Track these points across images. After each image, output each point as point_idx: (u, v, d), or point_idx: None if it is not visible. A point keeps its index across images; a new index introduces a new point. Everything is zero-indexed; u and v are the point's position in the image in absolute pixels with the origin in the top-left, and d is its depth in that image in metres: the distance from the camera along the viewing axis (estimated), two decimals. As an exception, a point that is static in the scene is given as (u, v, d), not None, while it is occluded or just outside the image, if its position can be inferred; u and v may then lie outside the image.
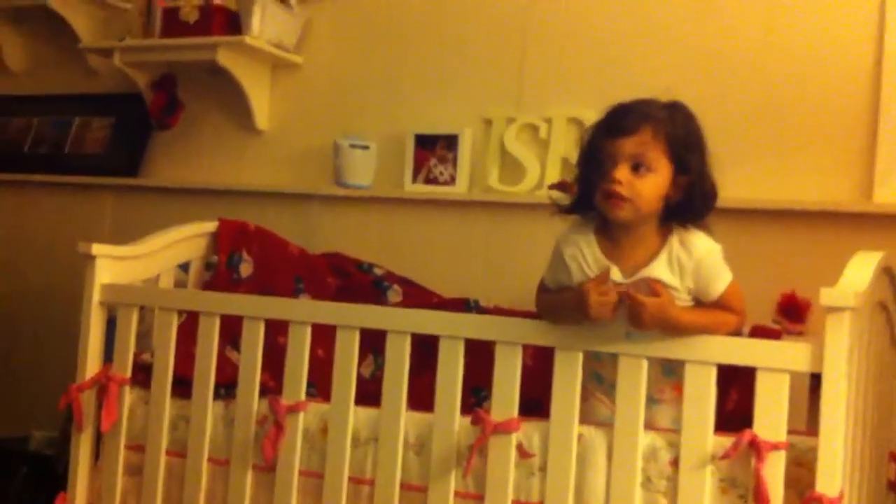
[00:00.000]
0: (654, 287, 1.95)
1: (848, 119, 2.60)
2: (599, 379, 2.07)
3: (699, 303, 2.00)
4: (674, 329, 1.91)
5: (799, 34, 2.66)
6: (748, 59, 2.70)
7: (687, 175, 1.97)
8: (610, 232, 2.04)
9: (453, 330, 2.11)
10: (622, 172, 1.94)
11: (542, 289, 2.16)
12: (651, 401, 2.01)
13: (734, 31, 2.73)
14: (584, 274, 2.03)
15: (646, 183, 1.95)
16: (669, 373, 2.01)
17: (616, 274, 1.98)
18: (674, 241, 1.99)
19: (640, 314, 1.90)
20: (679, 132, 1.97)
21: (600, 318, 1.93)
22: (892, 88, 2.55)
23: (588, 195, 2.03)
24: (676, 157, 1.96)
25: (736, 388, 2.16)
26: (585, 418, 2.02)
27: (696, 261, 1.97)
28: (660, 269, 1.98)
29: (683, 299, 1.98)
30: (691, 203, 1.98)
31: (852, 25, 2.61)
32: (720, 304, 1.98)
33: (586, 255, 2.04)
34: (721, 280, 1.99)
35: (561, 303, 2.05)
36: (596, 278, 1.98)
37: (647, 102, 2.00)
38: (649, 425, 1.98)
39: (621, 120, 1.97)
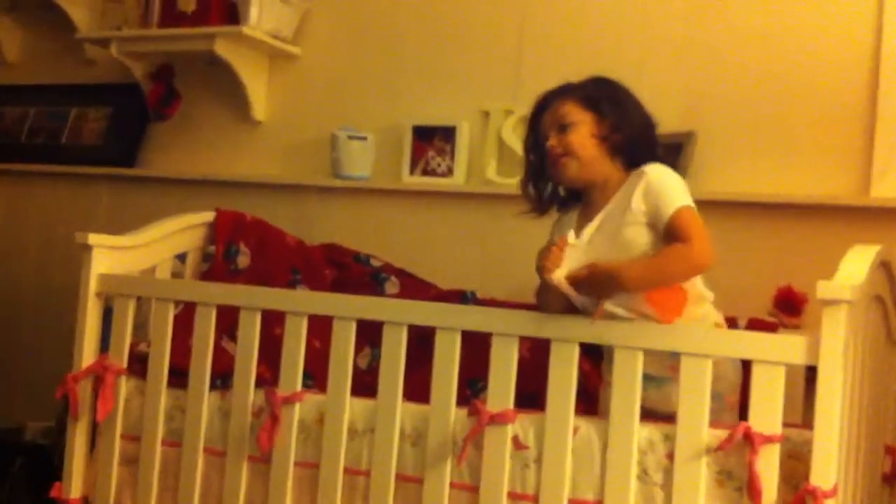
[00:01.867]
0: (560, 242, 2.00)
1: (846, 114, 2.61)
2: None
3: (657, 232, 2.01)
4: (619, 284, 1.92)
5: (797, 30, 2.67)
6: (746, 55, 2.70)
7: (608, 116, 2.09)
8: (587, 199, 2.16)
9: (450, 321, 2.11)
10: (553, 138, 2.12)
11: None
12: (661, 380, 2.02)
13: (732, 27, 2.73)
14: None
15: (572, 135, 2.10)
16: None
17: (572, 238, 2.04)
18: (631, 174, 2.09)
19: (579, 284, 1.94)
20: (587, 87, 2.14)
21: (546, 277, 1.97)
22: (889, 83, 2.55)
23: (541, 181, 2.20)
24: (591, 104, 2.11)
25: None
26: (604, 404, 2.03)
27: (645, 181, 2.04)
28: (615, 203, 2.07)
29: (639, 231, 2.02)
30: (628, 137, 2.09)
31: (850, 20, 2.62)
32: (670, 231, 1.98)
33: (564, 227, 2.14)
34: (671, 200, 1.99)
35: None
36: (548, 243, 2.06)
37: (556, 86, 2.18)
38: (665, 404, 2.00)
39: (536, 106, 2.19)
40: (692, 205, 2.00)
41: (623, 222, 2.04)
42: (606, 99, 2.12)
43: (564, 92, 2.15)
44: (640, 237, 2.02)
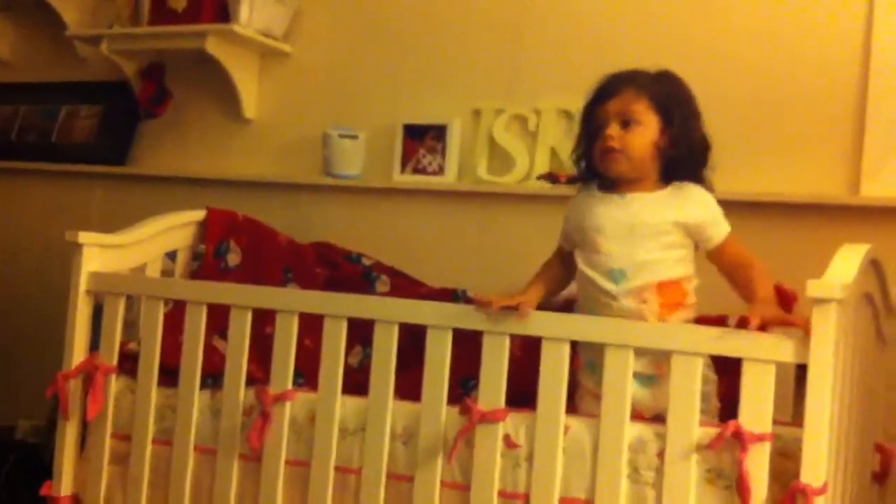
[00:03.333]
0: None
1: (836, 113, 2.61)
2: (593, 368, 2.08)
3: (694, 245, 2.11)
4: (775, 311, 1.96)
5: (786, 30, 2.67)
6: (739, 56, 2.71)
7: (673, 128, 2.09)
8: (614, 187, 2.15)
9: (441, 320, 2.11)
10: (613, 129, 2.09)
11: (555, 253, 2.28)
12: (651, 379, 2.04)
13: (724, 27, 2.74)
14: (581, 225, 2.14)
15: (634, 135, 2.09)
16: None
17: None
18: (672, 186, 2.12)
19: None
20: (661, 88, 2.12)
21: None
22: (879, 83, 2.56)
23: (590, 163, 2.18)
24: (661, 109, 2.10)
25: (722, 378, 2.16)
26: (573, 411, 2.04)
27: (691, 198, 2.10)
28: (648, 197, 2.10)
29: (674, 241, 2.08)
30: (683, 154, 2.10)
31: (840, 20, 2.62)
32: (728, 252, 2.09)
33: (586, 203, 2.17)
34: (722, 226, 2.11)
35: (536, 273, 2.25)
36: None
37: (632, 70, 2.16)
38: (651, 402, 2.03)
39: (607, 86, 2.15)
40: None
41: (657, 216, 2.08)
42: (678, 108, 2.11)
43: (640, 84, 2.12)
44: (670, 230, 2.08)
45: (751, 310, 1.91)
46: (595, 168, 2.17)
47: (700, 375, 1.89)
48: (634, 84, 2.11)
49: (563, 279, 2.27)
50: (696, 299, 2.14)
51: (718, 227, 2.11)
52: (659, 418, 1.97)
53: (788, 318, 1.89)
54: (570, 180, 2.25)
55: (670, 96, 2.11)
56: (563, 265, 2.26)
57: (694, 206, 2.10)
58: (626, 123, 2.09)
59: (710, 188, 2.15)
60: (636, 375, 1.99)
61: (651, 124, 2.09)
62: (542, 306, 2.13)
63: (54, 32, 3.61)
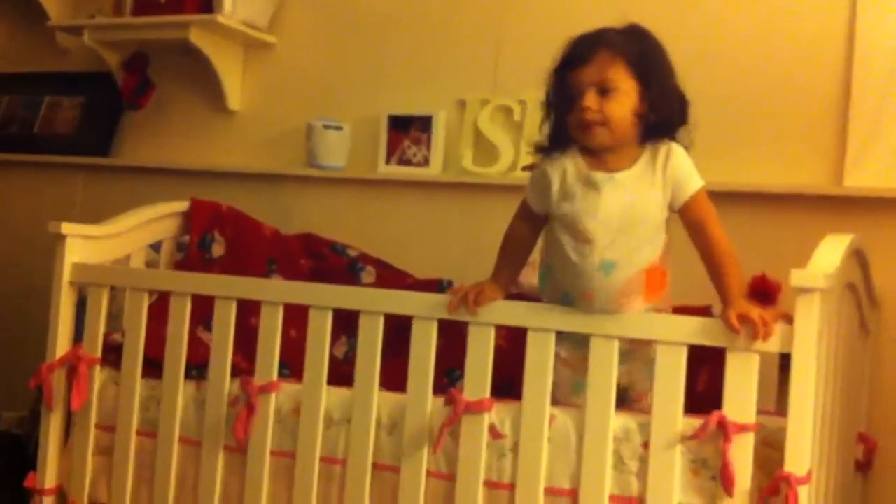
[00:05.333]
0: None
1: (819, 104, 2.62)
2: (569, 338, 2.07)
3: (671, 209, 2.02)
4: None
5: (771, 21, 2.68)
6: (721, 47, 2.71)
7: (652, 91, 1.98)
8: (593, 152, 2.04)
9: (427, 311, 2.11)
10: (590, 99, 1.96)
11: (519, 213, 2.19)
12: (627, 354, 2.03)
13: (707, 19, 2.74)
14: (563, 191, 2.03)
15: (614, 104, 1.96)
16: None
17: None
18: (649, 150, 2.02)
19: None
20: (636, 49, 1.99)
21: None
22: (862, 73, 2.57)
23: (561, 132, 2.06)
24: (639, 73, 1.98)
25: (706, 368, 2.17)
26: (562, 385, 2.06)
27: (669, 162, 1.99)
28: (635, 173, 2.00)
29: (658, 204, 2.00)
30: (664, 118, 1.99)
31: (824, 12, 2.63)
32: (694, 211, 2.00)
33: (569, 171, 2.04)
34: (693, 181, 2.01)
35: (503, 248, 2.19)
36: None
37: (601, 30, 2.03)
38: (628, 378, 2.05)
39: (579, 50, 2.01)
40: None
41: (646, 199, 2.00)
42: (654, 69, 1.99)
43: (614, 46, 1.98)
44: (658, 214, 2.01)
45: (729, 315, 1.86)
46: (570, 137, 2.04)
47: (684, 365, 1.90)
48: (609, 47, 1.98)
49: (529, 245, 2.18)
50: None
51: (690, 183, 2.00)
52: (626, 392, 2.00)
53: (766, 317, 1.84)
54: (540, 149, 2.11)
55: (646, 57, 1.99)
56: (529, 227, 2.16)
57: (672, 172, 1.99)
58: (603, 92, 1.96)
59: (686, 144, 2.04)
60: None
61: (630, 91, 1.97)
62: (523, 297, 2.14)
63: (36, 23, 3.59)
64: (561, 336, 2.03)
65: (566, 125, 2.03)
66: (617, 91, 1.96)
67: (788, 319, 1.83)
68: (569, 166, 2.04)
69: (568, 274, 2.03)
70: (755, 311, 1.84)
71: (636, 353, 2.05)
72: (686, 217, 2.02)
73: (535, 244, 2.18)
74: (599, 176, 2.00)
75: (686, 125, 2.04)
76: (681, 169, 2.00)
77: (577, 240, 2.00)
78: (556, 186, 2.05)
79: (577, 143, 2.03)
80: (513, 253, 2.18)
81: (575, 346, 2.05)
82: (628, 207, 1.98)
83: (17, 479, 2.49)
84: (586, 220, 1.99)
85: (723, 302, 1.95)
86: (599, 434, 1.94)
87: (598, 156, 2.03)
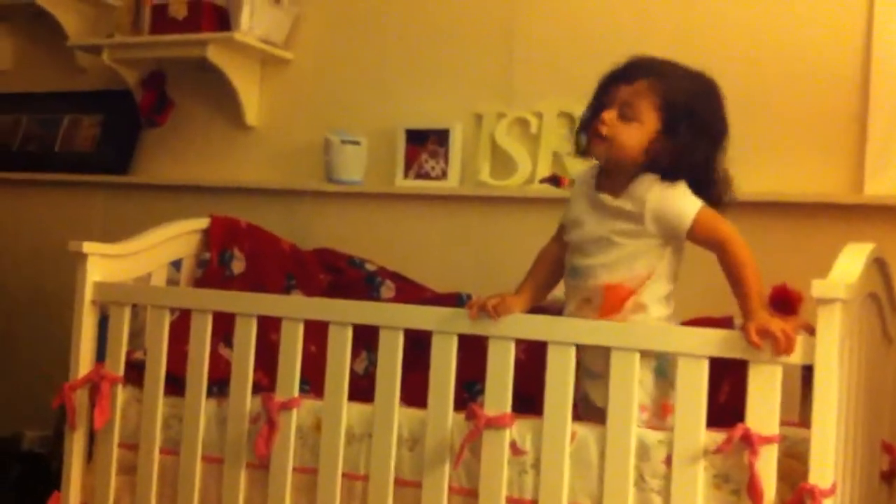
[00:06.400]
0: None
1: (838, 112, 2.61)
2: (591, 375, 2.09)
3: (669, 238, 2.04)
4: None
5: (788, 28, 2.67)
6: (739, 54, 2.70)
7: (671, 137, 1.99)
8: (608, 171, 2.10)
9: (446, 325, 2.11)
10: (609, 114, 2.01)
11: (555, 235, 2.24)
12: (588, 374, 2.06)
13: (725, 26, 2.74)
14: (572, 207, 2.15)
15: (628, 129, 2.00)
16: None
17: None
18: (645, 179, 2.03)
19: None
20: (678, 94, 2.00)
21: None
22: (880, 80, 2.55)
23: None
24: (667, 115, 1.99)
25: (728, 380, 2.16)
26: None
27: (652, 196, 2.00)
28: (620, 202, 2.04)
29: (626, 242, 2.03)
30: (675, 170, 2.00)
31: (842, 19, 2.62)
32: (702, 237, 2.01)
33: (581, 188, 2.14)
34: (688, 206, 2.00)
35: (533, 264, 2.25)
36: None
37: (663, 61, 2.05)
38: (584, 400, 2.07)
39: (626, 69, 2.05)
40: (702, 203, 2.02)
41: (605, 236, 2.06)
42: (687, 118, 1.99)
43: (658, 78, 2.01)
44: (628, 243, 2.05)
45: (749, 329, 1.84)
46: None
47: (706, 378, 1.89)
48: (649, 77, 2.00)
49: (556, 272, 2.20)
50: (669, 310, 2.11)
51: (683, 210, 2.00)
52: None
53: (787, 330, 1.82)
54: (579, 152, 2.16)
55: (683, 104, 1.99)
56: (557, 245, 2.21)
57: (652, 204, 2.01)
58: (624, 114, 2.00)
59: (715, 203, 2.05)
60: (594, 374, 2.05)
61: (648, 126, 2.00)
62: (543, 311, 2.14)
63: (55, 42, 3.62)
64: None
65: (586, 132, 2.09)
66: (636, 120, 2.00)
67: (810, 329, 1.82)
68: (583, 183, 2.14)
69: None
70: (776, 324, 1.82)
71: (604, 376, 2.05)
72: (697, 241, 2.03)
73: (563, 258, 2.19)
74: (601, 197, 2.07)
75: (709, 188, 2.05)
76: (662, 201, 2.01)
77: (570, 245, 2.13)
78: (571, 203, 2.16)
79: (583, 144, 2.11)
80: (536, 269, 2.23)
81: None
82: (597, 221, 2.07)
83: (41, 498, 2.50)
84: (571, 229, 2.12)
85: (743, 315, 1.94)
86: (621, 450, 1.93)
87: (610, 176, 2.09)
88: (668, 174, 2.01)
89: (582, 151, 2.13)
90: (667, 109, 1.99)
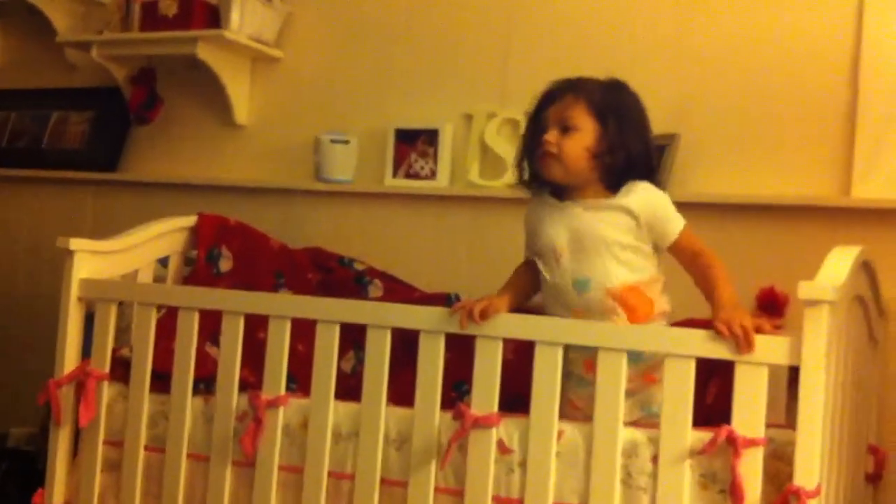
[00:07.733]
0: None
1: (827, 115, 2.62)
2: (569, 376, 2.09)
3: (655, 247, 2.12)
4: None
5: (778, 32, 2.68)
6: (729, 57, 2.71)
7: (610, 134, 2.08)
8: (564, 193, 2.16)
9: (434, 324, 2.11)
10: (551, 134, 2.11)
11: (523, 263, 2.29)
12: (571, 377, 2.09)
13: (715, 29, 2.74)
14: (537, 233, 2.18)
15: (571, 140, 2.10)
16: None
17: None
18: (623, 190, 2.11)
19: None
20: (601, 96, 2.12)
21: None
22: (869, 84, 2.56)
23: (532, 168, 2.20)
24: (599, 116, 2.10)
25: (715, 381, 2.16)
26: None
27: (643, 202, 2.09)
28: (600, 203, 2.10)
29: (622, 227, 2.08)
30: (619, 162, 2.09)
31: (830, 22, 2.63)
32: (684, 248, 2.10)
33: (542, 209, 2.19)
34: (674, 222, 2.11)
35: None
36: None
37: (580, 77, 2.17)
38: (571, 404, 2.09)
39: (551, 91, 2.17)
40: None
41: (608, 221, 2.09)
42: (616, 114, 2.10)
43: (578, 89, 2.13)
44: (623, 237, 2.09)
45: (715, 321, 1.88)
46: (536, 173, 2.18)
47: (693, 378, 1.89)
48: (575, 90, 2.12)
49: (532, 287, 2.26)
50: (670, 307, 2.15)
51: (671, 224, 2.11)
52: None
53: (746, 325, 1.85)
54: (520, 185, 2.26)
55: (610, 103, 2.11)
56: (530, 273, 2.25)
57: (639, 204, 2.08)
58: (565, 129, 2.10)
59: (661, 188, 2.16)
60: (579, 378, 2.08)
61: (588, 130, 2.09)
62: (529, 312, 2.14)
63: (44, 38, 3.60)
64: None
65: (533, 160, 2.16)
66: (575, 129, 2.10)
67: (779, 328, 1.84)
68: (538, 208, 2.19)
69: (549, 297, 2.16)
70: (737, 320, 1.85)
71: (637, 392, 2.08)
72: (676, 254, 2.13)
73: (534, 285, 2.25)
74: (566, 203, 2.14)
75: (653, 174, 2.15)
76: (651, 206, 2.09)
77: (547, 261, 2.15)
78: (530, 227, 2.22)
79: (542, 179, 2.17)
80: (515, 281, 2.27)
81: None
82: (590, 223, 2.09)
83: (27, 495, 2.49)
84: (555, 239, 2.13)
85: (713, 312, 1.97)
86: (608, 449, 1.93)
87: (567, 193, 2.15)
88: (622, 170, 2.10)
89: (530, 177, 2.20)
90: (597, 110, 2.10)
